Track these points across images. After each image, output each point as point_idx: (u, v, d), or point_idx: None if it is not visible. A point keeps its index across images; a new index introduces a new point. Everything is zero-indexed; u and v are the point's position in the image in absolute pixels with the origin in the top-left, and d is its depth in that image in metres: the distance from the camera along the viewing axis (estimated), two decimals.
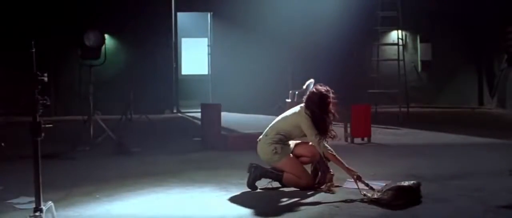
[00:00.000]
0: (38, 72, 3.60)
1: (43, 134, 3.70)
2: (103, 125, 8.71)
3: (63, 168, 7.01)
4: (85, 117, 8.66)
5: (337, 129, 10.20)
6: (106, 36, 14.78)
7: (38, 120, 3.62)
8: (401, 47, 13.55)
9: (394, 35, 15.39)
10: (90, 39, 8.24)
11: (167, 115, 14.64)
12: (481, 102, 16.50)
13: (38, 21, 14.11)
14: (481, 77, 16.62)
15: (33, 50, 3.63)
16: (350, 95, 14.62)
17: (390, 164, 6.96)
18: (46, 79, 3.62)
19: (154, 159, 7.54)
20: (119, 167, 7.04)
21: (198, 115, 10.78)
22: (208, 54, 16.18)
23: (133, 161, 7.49)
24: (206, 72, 16.80)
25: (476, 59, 16.56)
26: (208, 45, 16.19)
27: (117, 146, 8.01)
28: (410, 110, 13.14)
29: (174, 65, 15.65)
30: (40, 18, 14.20)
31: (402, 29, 13.32)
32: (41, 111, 3.63)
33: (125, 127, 10.64)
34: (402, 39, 13.25)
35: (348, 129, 8.98)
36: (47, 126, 3.65)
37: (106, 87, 13.98)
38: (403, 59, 13.20)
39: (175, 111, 15.35)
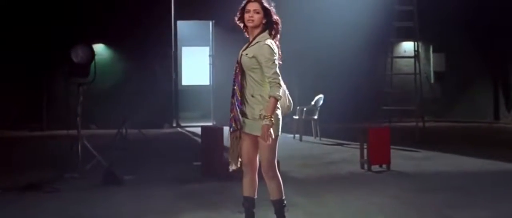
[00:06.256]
0: None
1: None
2: (92, 150, 7.85)
3: (46, 204, 6.16)
4: (73, 142, 7.79)
5: (352, 150, 9.43)
6: (103, 45, 14.11)
7: None
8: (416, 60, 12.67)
9: (406, 45, 14.61)
10: (78, 55, 7.37)
11: (165, 130, 13.82)
12: (496, 116, 15.67)
13: (31, 31, 13.56)
14: (497, 90, 15.81)
15: None
16: (363, 111, 13.91)
17: (417, 203, 6.05)
18: None
19: (149, 192, 6.68)
20: (109, 201, 6.22)
21: (199, 130, 9.94)
22: (210, 64, 15.40)
23: (125, 193, 6.64)
24: (207, 83, 16.04)
25: (492, 70, 15.79)
26: (210, 55, 15.41)
27: (108, 175, 7.15)
28: (425, 124, 12.30)
29: (174, 76, 14.91)
30: (34, 27, 13.63)
31: (418, 41, 12.41)
32: None
33: (118, 147, 9.83)
34: (417, 51, 12.35)
35: (365, 154, 8.07)
36: None
37: (102, 99, 13.33)
38: (419, 73, 12.29)
39: (174, 125, 14.56)
